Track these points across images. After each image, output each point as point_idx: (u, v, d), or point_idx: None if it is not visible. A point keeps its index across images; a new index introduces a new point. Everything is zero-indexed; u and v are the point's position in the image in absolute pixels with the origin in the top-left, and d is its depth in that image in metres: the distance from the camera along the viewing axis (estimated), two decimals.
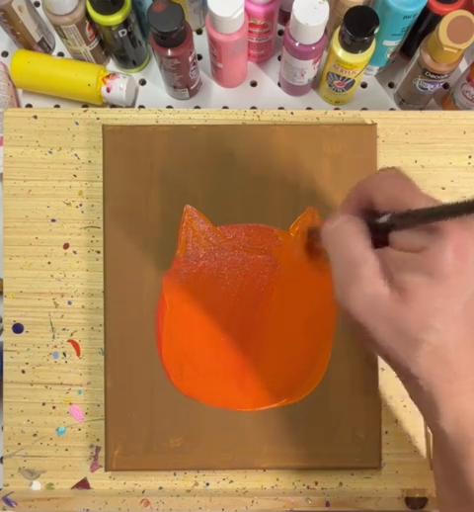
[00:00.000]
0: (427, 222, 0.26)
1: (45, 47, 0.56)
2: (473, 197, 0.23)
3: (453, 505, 0.32)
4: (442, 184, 0.47)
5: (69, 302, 0.46)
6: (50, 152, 0.47)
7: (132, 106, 0.55)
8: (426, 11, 0.47)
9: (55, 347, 0.46)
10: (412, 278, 0.26)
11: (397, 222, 0.29)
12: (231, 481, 0.45)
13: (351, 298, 0.28)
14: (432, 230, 0.26)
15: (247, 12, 0.47)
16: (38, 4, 0.57)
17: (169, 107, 0.55)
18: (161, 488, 0.45)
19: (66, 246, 0.47)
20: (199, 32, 0.57)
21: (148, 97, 0.56)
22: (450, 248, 0.25)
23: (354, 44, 0.46)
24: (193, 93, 0.55)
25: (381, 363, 0.44)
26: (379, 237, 0.29)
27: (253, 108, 0.55)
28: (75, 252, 0.47)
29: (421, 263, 0.26)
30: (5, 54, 0.57)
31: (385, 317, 0.27)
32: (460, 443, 0.29)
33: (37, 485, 0.45)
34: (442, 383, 0.28)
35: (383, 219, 0.29)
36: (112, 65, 0.56)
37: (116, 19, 0.47)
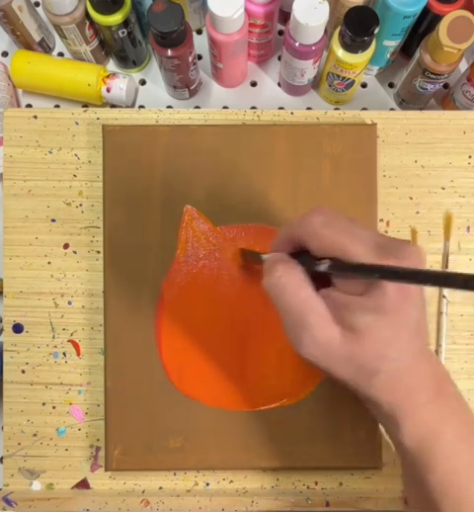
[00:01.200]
0: (364, 278, 0.29)
1: (45, 47, 0.56)
2: (412, 266, 0.25)
3: None
4: (442, 184, 0.47)
5: (69, 302, 0.46)
6: (50, 152, 0.47)
7: (132, 106, 0.55)
8: (426, 11, 0.47)
9: (55, 347, 0.46)
10: (361, 318, 0.28)
11: (336, 272, 0.30)
12: (231, 481, 0.45)
13: (304, 345, 0.30)
14: None
15: (247, 12, 0.47)
16: (38, 4, 0.57)
17: (169, 107, 0.55)
18: (161, 488, 0.45)
19: (66, 246, 0.47)
20: (199, 32, 0.57)
21: (148, 97, 0.56)
22: (391, 288, 0.28)
23: (354, 44, 0.46)
24: (193, 93, 0.55)
25: None
26: (319, 278, 0.31)
27: (253, 108, 0.55)
28: (75, 252, 0.47)
29: (367, 304, 0.28)
30: (5, 54, 0.57)
31: (341, 357, 0.29)
32: (420, 456, 0.30)
33: (37, 485, 0.45)
34: (400, 400, 0.30)
35: (322, 268, 0.30)
36: (112, 65, 0.56)
37: (116, 19, 0.47)
